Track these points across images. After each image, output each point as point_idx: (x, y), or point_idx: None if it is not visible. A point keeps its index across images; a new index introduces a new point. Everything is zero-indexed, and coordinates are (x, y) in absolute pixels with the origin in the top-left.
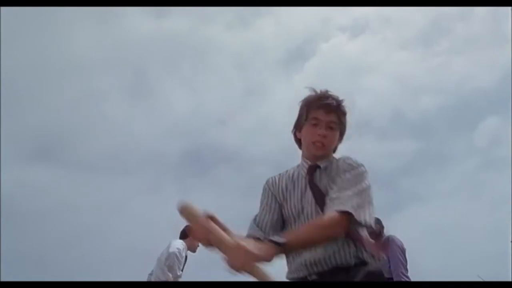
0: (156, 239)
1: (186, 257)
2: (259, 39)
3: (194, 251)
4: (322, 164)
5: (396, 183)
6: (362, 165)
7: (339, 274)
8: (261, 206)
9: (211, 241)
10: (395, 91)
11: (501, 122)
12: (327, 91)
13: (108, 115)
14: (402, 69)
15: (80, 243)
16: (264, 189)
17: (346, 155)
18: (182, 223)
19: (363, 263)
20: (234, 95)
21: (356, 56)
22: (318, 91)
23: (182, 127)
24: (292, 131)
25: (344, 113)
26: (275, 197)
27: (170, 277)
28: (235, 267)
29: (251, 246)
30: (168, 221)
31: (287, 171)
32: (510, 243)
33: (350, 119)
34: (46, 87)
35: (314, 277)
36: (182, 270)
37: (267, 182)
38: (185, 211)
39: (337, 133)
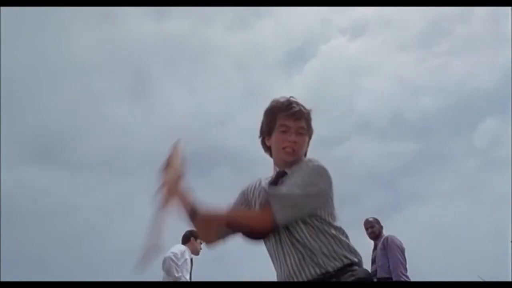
0: None
1: (191, 260)
2: (259, 40)
3: (197, 254)
4: (289, 171)
5: (396, 183)
6: (322, 168)
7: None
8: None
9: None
10: (395, 92)
11: (500, 123)
12: (292, 98)
13: (108, 115)
14: (402, 70)
15: (80, 243)
16: (240, 192)
17: (313, 158)
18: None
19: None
20: (234, 96)
21: (356, 57)
22: (283, 100)
23: (182, 127)
24: (259, 137)
25: (310, 119)
26: (244, 199)
27: (171, 280)
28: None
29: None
30: (168, 220)
31: (266, 178)
32: (510, 243)
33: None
34: (46, 88)
35: None
36: (190, 274)
37: (244, 187)
38: (174, 153)
39: (306, 138)
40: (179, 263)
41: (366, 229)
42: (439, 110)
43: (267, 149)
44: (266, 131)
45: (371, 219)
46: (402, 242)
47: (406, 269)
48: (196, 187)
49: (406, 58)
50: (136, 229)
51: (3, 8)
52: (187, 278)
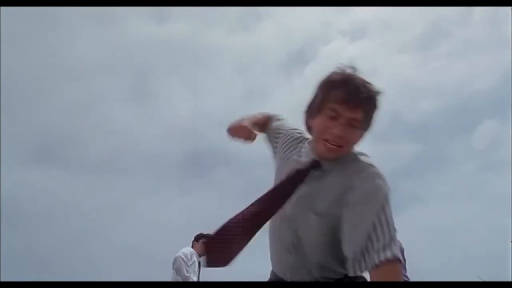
0: (157, 239)
1: (199, 262)
2: (260, 43)
3: (201, 254)
4: (326, 165)
5: (395, 184)
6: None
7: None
8: (282, 126)
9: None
10: (394, 94)
11: (499, 125)
12: (358, 79)
13: (110, 117)
14: (402, 72)
15: (82, 244)
16: (285, 127)
17: (367, 161)
18: (183, 224)
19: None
20: (235, 98)
21: (356, 59)
22: (345, 76)
23: (183, 129)
24: (304, 114)
25: (375, 108)
26: (279, 140)
27: (179, 279)
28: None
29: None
30: (169, 221)
31: (302, 139)
32: (510, 243)
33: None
34: (47, 89)
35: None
36: (198, 275)
37: (291, 129)
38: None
39: (359, 133)
40: (189, 263)
41: None
42: (438, 111)
43: (308, 128)
44: (313, 109)
45: None
46: (401, 242)
47: (405, 269)
48: (196, 188)
49: (406, 60)
50: (137, 229)
51: (5, 9)
52: (194, 279)
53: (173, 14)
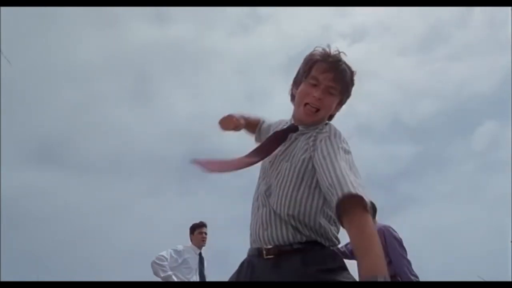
0: (157, 241)
1: (201, 255)
2: (260, 45)
3: (199, 245)
4: (303, 128)
5: (395, 186)
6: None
7: (291, 253)
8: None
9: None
10: (394, 96)
11: (499, 126)
12: (340, 55)
13: (111, 118)
14: (401, 74)
15: (82, 244)
16: (274, 122)
17: (337, 133)
18: (183, 225)
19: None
20: (235, 100)
21: (356, 61)
22: (327, 51)
23: (183, 130)
24: (290, 86)
25: (351, 82)
26: (262, 130)
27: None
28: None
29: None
30: (169, 222)
31: (282, 122)
32: (510, 243)
33: (354, 92)
34: (48, 90)
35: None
36: (201, 271)
37: (279, 120)
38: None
39: (336, 100)
40: (170, 264)
41: None
42: (438, 113)
43: (292, 98)
44: (298, 79)
45: None
46: (402, 239)
47: (409, 262)
48: (196, 188)
49: (406, 62)
50: (137, 230)
51: (6, 9)
52: (189, 278)
53: (174, 17)
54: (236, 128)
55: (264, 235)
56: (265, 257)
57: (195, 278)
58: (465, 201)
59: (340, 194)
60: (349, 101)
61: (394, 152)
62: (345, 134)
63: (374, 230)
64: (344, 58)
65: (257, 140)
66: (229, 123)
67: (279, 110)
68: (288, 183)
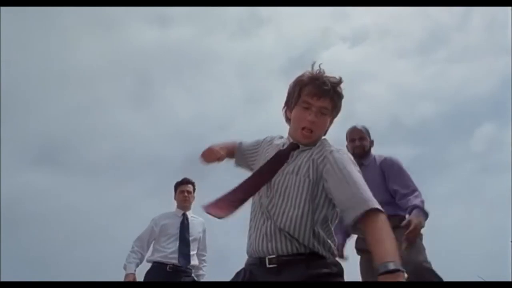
0: None
1: (185, 216)
2: (261, 48)
3: (182, 207)
4: (303, 147)
5: None
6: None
7: (293, 265)
8: (254, 142)
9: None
10: (393, 98)
11: (498, 127)
12: (322, 73)
13: (112, 121)
14: (401, 77)
15: (84, 246)
16: (260, 140)
17: (336, 148)
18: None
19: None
20: (235, 102)
21: (356, 64)
22: (310, 74)
23: (184, 133)
24: (282, 109)
25: (339, 97)
26: (258, 150)
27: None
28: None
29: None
30: None
31: (279, 140)
32: (510, 243)
33: (344, 100)
34: (49, 92)
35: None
36: (183, 234)
37: (265, 138)
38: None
39: (329, 119)
40: (150, 238)
41: (353, 140)
42: (437, 115)
43: (288, 119)
44: (290, 104)
45: (360, 127)
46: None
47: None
48: (196, 189)
49: (405, 65)
50: (138, 231)
51: (6, 12)
52: (168, 247)
53: (175, 19)
54: (219, 159)
55: (268, 246)
56: (267, 266)
57: (174, 245)
58: (465, 201)
59: (364, 207)
60: (347, 104)
61: (393, 153)
62: (344, 138)
63: (391, 230)
64: (328, 74)
65: (238, 161)
66: (211, 156)
67: (279, 111)
68: (291, 199)
